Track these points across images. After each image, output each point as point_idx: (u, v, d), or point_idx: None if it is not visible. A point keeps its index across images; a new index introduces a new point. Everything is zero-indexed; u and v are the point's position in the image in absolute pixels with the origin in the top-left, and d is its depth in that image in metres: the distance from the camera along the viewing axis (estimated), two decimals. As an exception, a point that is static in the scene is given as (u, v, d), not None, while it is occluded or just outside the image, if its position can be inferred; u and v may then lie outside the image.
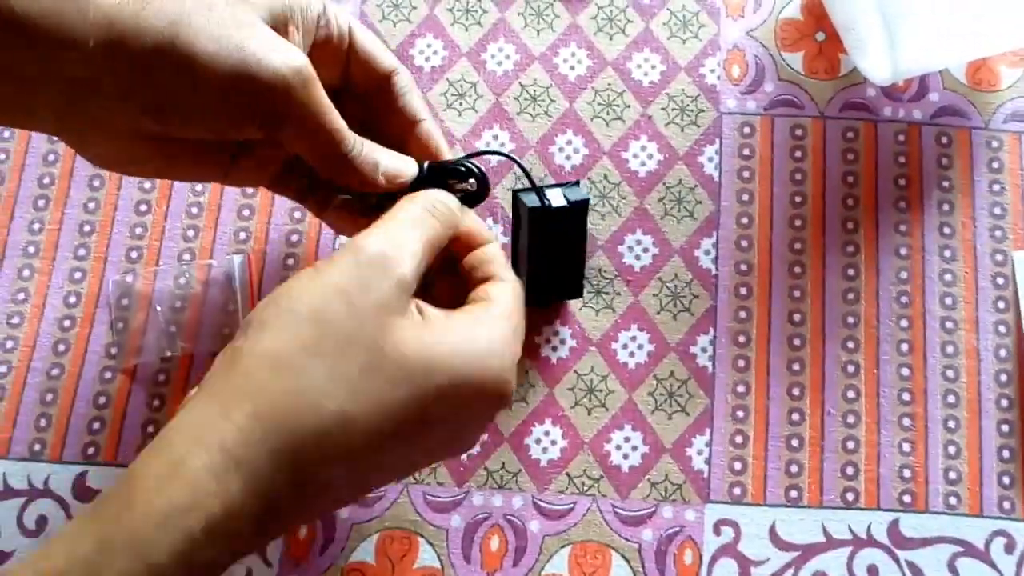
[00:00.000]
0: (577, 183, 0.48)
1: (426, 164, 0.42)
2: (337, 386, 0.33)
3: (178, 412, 0.33)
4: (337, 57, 0.42)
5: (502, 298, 0.39)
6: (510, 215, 0.50)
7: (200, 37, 0.34)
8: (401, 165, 0.41)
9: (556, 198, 0.46)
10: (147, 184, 0.54)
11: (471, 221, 0.41)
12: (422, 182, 0.42)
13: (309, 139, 0.38)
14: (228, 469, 0.31)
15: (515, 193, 0.47)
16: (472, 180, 0.43)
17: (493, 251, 0.41)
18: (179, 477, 0.31)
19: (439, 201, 0.39)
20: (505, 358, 0.37)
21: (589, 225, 0.53)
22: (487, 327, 0.37)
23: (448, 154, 0.45)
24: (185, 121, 0.36)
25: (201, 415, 0.32)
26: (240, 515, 0.31)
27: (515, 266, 0.50)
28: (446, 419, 0.36)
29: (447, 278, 0.41)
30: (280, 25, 0.38)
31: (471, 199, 0.43)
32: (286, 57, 0.36)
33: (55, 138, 0.54)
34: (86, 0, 0.33)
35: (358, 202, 0.44)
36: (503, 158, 0.54)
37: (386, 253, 0.35)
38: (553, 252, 0.48)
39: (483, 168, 0.43)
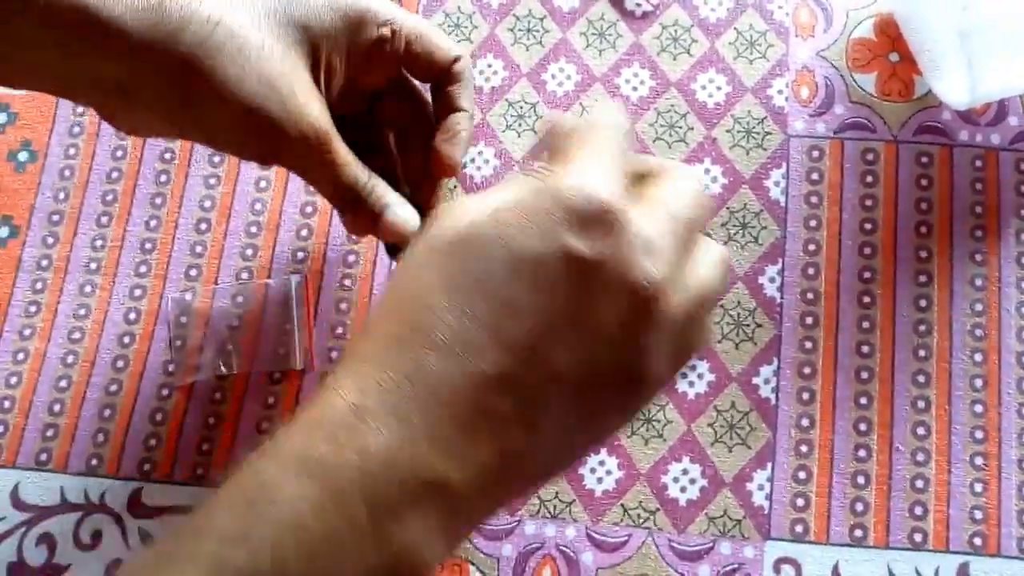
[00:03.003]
0: None
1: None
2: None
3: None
4: (387, 64, 0.42)
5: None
6: None
7: (232, 66, 0.35)
8: (408, 218, 0.41)
9: None
10: (207, 203, 0.54)
11: None
12: None
13: (322, 186, 0.40)
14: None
15: None
16: None
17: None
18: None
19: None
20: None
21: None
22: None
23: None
24: (204, 138, 0.38)
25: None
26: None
27: None
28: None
29: None
30: (323, 56, 0.39)
31: None
32: (313, 118, 0.37)
33: (119, 155, 0.55)
34: None
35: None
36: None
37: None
38: None
39: None
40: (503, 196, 0.30)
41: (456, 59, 0.43)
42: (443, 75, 0.43)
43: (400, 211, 0.41)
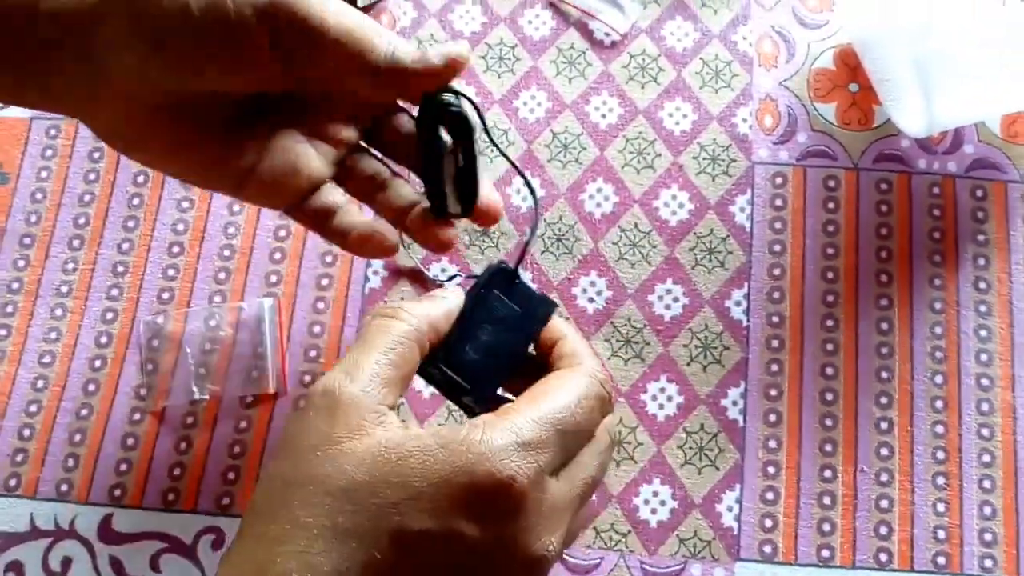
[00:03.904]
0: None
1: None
2: None
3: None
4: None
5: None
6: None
7: None
8: (452, 45, 0.36)
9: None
10: (180, 226, 0.54)
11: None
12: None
13: (343, 58, 0.35)
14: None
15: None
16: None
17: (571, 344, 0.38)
18: None
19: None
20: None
21: (619, 273, 0.52)
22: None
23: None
24: (199, 61, 0.34)
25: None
26: None
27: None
28: None
29: None
30: None
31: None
32: None
33: (91, 178, 0.55)
34: None
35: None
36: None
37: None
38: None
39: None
40: (415, 444, 0.30)
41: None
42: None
43: (445, 46, 0.37)
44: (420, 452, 0.30)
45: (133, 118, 0.36)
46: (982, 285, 0.52)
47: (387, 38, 0.35)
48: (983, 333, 0.51)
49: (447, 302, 0.37)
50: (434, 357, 0.36)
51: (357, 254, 0.42)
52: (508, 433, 0.31)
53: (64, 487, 0.50)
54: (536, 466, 0.30)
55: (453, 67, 0.36)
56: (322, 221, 0.41)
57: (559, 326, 0.38)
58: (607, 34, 0.58)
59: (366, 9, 0.57)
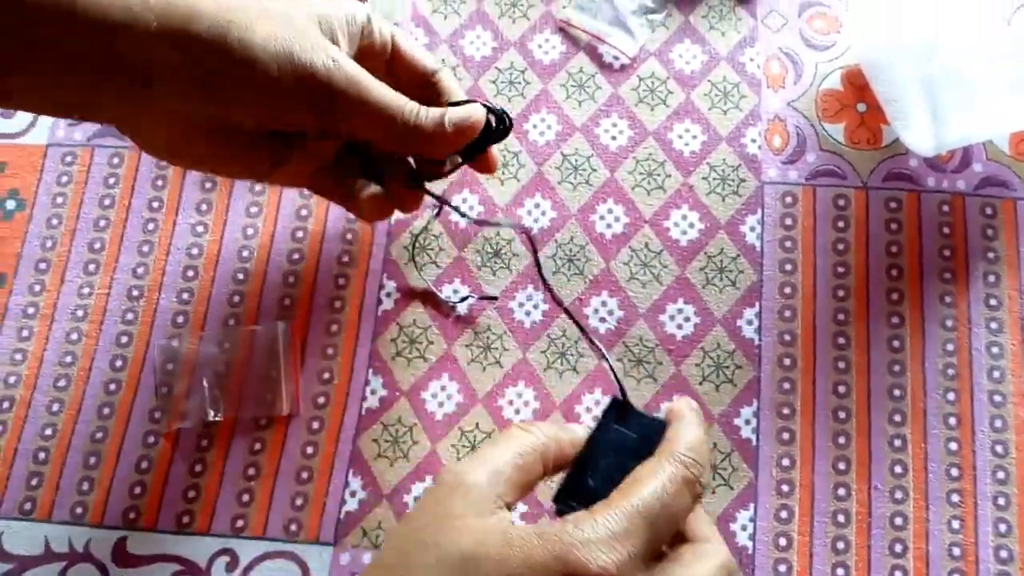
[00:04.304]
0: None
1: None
2: None
3: None
4: (380, 61, 0.45)
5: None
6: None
7: (254, 29, 0.37)
8: (468, 109, 0.43)
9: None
10: (194, 251, 0.54)
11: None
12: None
13: (370, 122, 0.40)
14: None
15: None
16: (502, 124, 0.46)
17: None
18: None
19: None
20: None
21: (630, 293, 0.53)
22: None
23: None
24: (242, 106, 0.38)
25: None
26: None
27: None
28: None
29: None
30: (326, 33, 0.41)
31: (496, 136, 0.46)
32: (331, 53, 0.39)
33: (106, 204, 0.55)
34: None
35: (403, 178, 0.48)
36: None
37: None
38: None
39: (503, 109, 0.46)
40: (518, 533, 0.32)
41: (437, 71, 0.46)
42: (427, 82, 0.46)
43: (462, 109, 0.43)
44: (520, 539, 0.32)
45: (173, 132, 0.40)
46: (993, 302, 0.52)
47: (410, 108, 0.41)
48: (995, 350, 0.51)
49: (573, 432, 0.39)
50: (564, 494, 0.38)
51: (366, 217, 0.49)
52: (599, 526, 0.32)
53: (79, 510, 0.50)
54: (626, 557, 0.32)
55: (464, 133, 0.43)
56: (338, 192, 0.48)
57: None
58: (616, 57, 0.58)
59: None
